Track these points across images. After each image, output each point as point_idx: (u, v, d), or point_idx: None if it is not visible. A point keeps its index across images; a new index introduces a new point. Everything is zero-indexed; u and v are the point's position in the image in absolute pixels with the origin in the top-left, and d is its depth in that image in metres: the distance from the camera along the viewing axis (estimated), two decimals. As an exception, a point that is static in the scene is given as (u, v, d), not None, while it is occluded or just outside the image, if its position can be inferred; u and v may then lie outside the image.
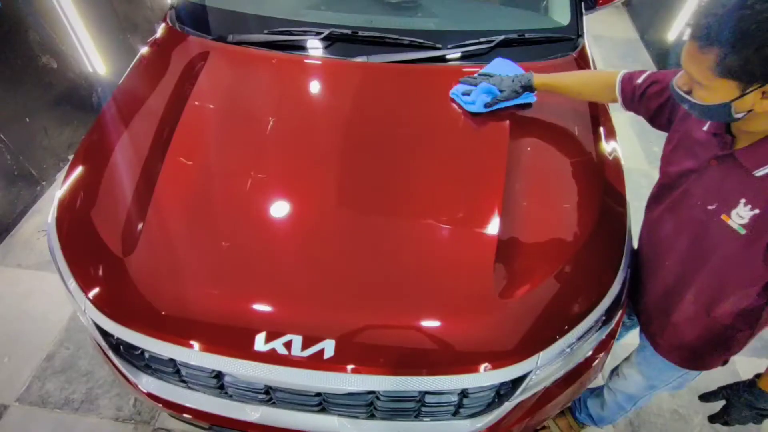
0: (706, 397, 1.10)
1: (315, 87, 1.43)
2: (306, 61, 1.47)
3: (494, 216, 1.11)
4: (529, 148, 1.27)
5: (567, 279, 1.06)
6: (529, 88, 1.30)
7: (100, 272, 1.08)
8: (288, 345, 0.95)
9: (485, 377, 0.96)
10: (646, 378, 1.28)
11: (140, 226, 1.11)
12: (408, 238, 1.10)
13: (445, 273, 1.05)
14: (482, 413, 1.07)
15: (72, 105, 2.63)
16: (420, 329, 0.98)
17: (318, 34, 1.47)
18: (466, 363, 0.96)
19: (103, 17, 2.80)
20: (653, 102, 1.08)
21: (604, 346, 1.17)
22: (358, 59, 1.45)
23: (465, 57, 1.47)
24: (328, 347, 0.95)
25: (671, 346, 1.14)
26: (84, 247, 1.13)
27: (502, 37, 1.46)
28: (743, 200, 0.85)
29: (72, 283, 1.08)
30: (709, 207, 0.91)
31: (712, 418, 1.11)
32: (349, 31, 1.47)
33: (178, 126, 1.28)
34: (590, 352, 1.13)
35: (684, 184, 0.99)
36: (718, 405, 1.11)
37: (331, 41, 1.48)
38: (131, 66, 1.55)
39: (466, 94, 1.35)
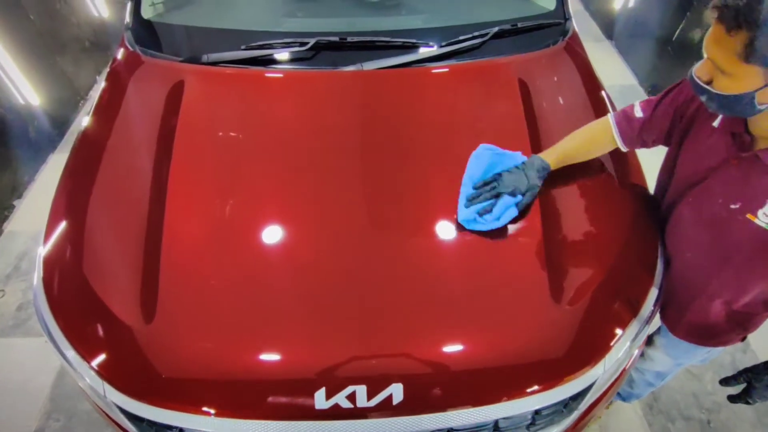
0: (727, 381, 1.10)
1: (312, 105, 1.31)
2: (295, 76, 1.35)
3: (536, 225, 1.07)
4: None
5: (614, 279, 1.04)
6: (545, 172, 1.12)
7: (117, 345, 0.94)
8: (352, 397, 0.88)
9: (559, 392, 0.93)
10: (673, 358, 1.30)
11: (154, 285, 0.98)
12: (450, 259, 1.04)
13: (497, 291, 1.00)
14: (553, 424, 1.05)
15: (6, 144, 2.34)
16: (488, 354, 0.93)
17: (302, 45, 1.35)
18: (539, 381, 0.92)
19: (25, 40, 2.49)
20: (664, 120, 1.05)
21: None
22: (351, 68, 1.35)
23: (460, 53, 1.40)
24: (396, 392, 0.88)
25: (690, 330, 1.15)
26: (86, 314, 0.99)
27: (496, 29, 1.40)
28: None
29: (79, 363, 0.94)
30: (732, 206, 0.90)
31: (733, 399, 1.11)
32: (336, 38, 1.36)
33: (172, 165, 1.14)
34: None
35: (700, 182, 0.98)
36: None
37: (316, 51, 1.37)
38: (96, 100, 1.36)
39: (484, 211, 1.07)
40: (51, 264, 1.06)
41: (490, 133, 1.19)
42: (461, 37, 1.38)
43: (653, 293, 1.06)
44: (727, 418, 1.78)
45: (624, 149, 1.13)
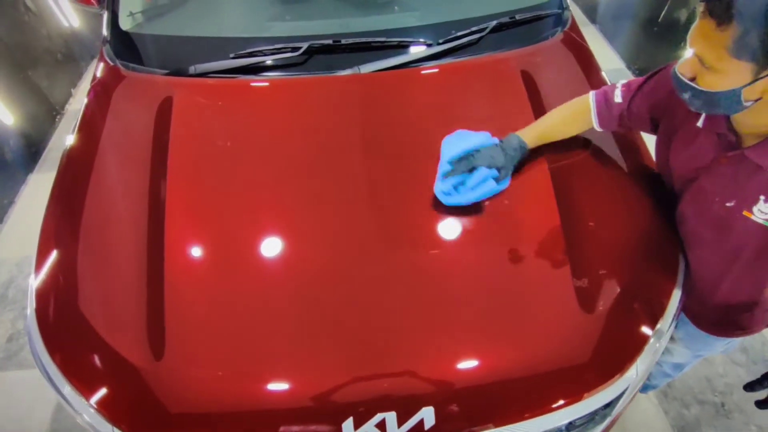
0: (751, 387, 1.08)
1: (309, 113, 1.25)
2: (289, 83, 1.29)
3: (556, 229, 1.03)
4: (569, 156, 1.18)
5: (639, 278, 1.02)
6: (523, 150, 1.10)
7: (125, 383, 0.88)
8: (382, 425, 0.83)
9: (595, 400, 0.90)
10: (693, 350, 1.29)
11: (160, 317, 0.92)
12: (468, 269, 1.00)
13: (521, 301, 0.96)
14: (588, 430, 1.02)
15: (-17, 167, 2.23)
16: (519, 367, 0.90)
17: (294, 50, 1.29)
18: (575, 392, 0.89)
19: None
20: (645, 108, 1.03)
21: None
22: (347, 72, 1.29)
23: (459, 49, 1.35)
24: (428, 416, 0.84)
25: (714, 322, 1.13)
26: (85, 350, 0.93)
27: (495, 23, 1.35)
28: (762, 197, 0.83)
29: (78, 401, 0.88)
30: (728, 204, 0.88)
31: (761, 405, 1.09)
32: (329, 41, 1.30)
33: (168, 185, 1.07)
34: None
35: (695, 181, 0.96)
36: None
37: (309, 55, 1.31)
38: (79, 119, 1.28)
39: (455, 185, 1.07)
40: (44, 296, 0.99)
41: (499, 131, 1.14)
42: (459, 33, 1.33)
43: (677, 290, 1.03)
44: (740, 399, 1.79)
45: (598, 129, 1.11)
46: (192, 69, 1.27)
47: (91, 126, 1.27)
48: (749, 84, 0.71)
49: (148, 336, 0.92)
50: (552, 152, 1.15)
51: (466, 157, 1.08)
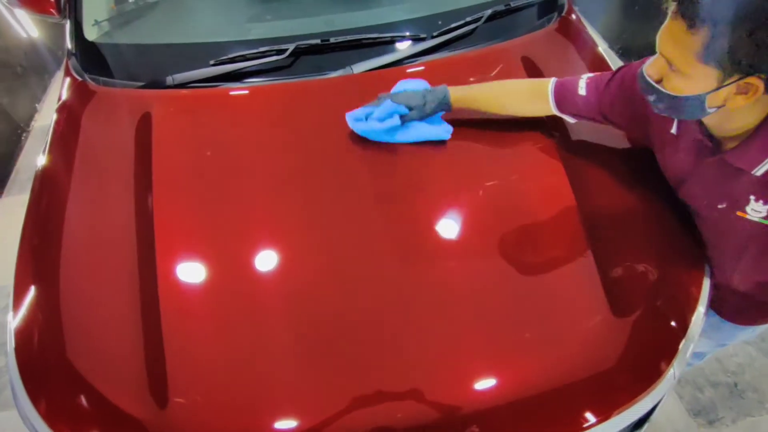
0: None
1: (301, 120, 1.16)
2: (275, 89, 1.19)
3: (578, 230, 0.97)
4: (581, 151, 1.12)
5: (666, 275, 0.97)
6: (445, 104, 1.08)
7: None
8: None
9: (639, 408, 0.85)
10: (716, 340, 1.26)
11: (160, 360, 0.83)
12: (489, 279, 0.94)
13: (550, 312, 0.90)
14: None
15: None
16: (550, 383, 0.84)
17: (279, 52, 1.19)
18: (618, 402, 0.84)
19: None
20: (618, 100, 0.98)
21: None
22: (338, 73, 1.20)
23: (455, 42, 1.27)
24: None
25: (734, 312, 1.10)
26: (73, 398, 0.83)
27: (490, 11, 1.27)
28: (752, 197, 0.80)
29: None
30: (720, 206, 0.86)
31: None
32: (317, 40, 1.20)
33: (156, 211, 0.97)
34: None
35: (683, 184, 0.94)
36: None
37: (296, 57, 1.21)
38: (49, 140, 1.17)
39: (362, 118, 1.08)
40: (24, 335, 0.89)
41: (509, 126, 1.08)
42: (454, 24, 1.25)
43: (706, 284, 0.98)
44: (752, 378, 1.78)
45: (557, 113, 1.06)
46: (169, 80, 1.17)
47: (63, 147, 1.16)
48: (713, 90, 0.69)
49: (149, 380, 0.83)
50: (564, 148, 1.09)
51: (389, 95, 1.08)
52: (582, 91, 1.00)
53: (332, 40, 1.21)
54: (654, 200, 1.04)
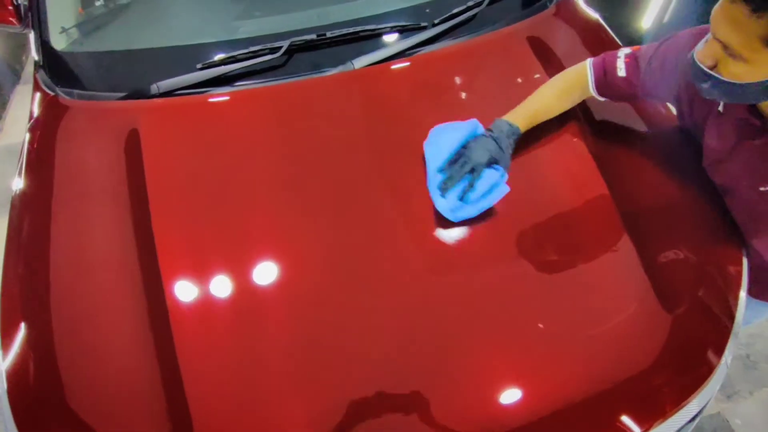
0: None
1: (303, 123, 1.07)
2: (271, 91, 1.10)
3: (615, 221, 0.92)
4: (612, 141, 1.06)
5: (707, 265, 0.93)
6: (515, 134, 0.97)
7: None
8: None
9: (702, 397, 0.81)
10: (743, 319, 1.25)
11: (179, 396, 0.75)
12: (529, 282, 0.88)
13: (597, 311, 0.85)
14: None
15: None
16: (619, 385, 0.79)
17: (273, 50, 1.10)
18: (679, 397, 0.80)
19: None
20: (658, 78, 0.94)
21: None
22: (338, 70, 1.11)
23: (457, 29, 1.20)
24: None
25: (764, 288, 1.07)
26: None
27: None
28: None
29: None
30: (762, 188, 0.83)
31: None
32: (313, 35, 1.11)
33: (157, 236, 0.88)
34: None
35: (720, 163, 0.90)
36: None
37: (290, 55, 1.12)
38: (24, 162, 1.05)
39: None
40: (18, 376, 0.79)
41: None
42: (456, 10, 1.18)
43: (746, 266, 0.95)
44: (764, 348, 1.79)
45: (599, 98, 1.01)
46: (154, 88, 1.06)
47: (40, 169, 1.04)
48: None
49: (168, 421, 0.74)
50: (589, 136, 1.03)
51: (456, 158, 0.93)
52: (621, 72, 0.95)
53: (329, 34, 1.12)
54: (684, 183, 1.00)
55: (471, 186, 0.90)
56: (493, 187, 0.90)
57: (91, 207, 0.95)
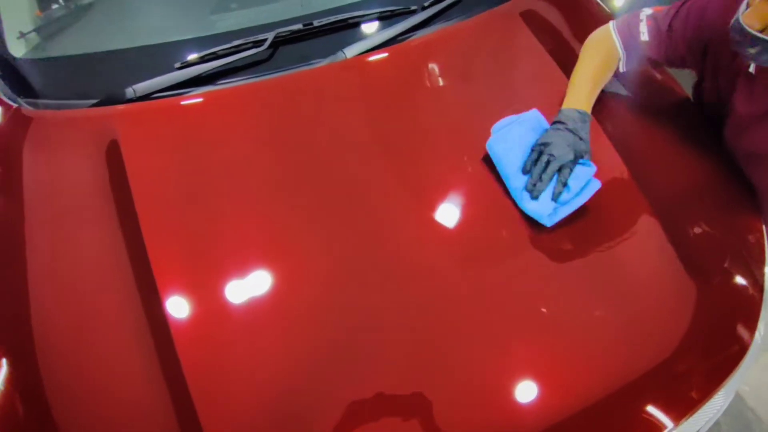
0: None
1: (295, 121, 0.99)
2: (258, 87, 1.02)
3: (640, 201, 0.89)
4: (622, 116, 1.03)
5: (737, 239, 0.90)
6: (587, 120, 0.91)
7: None
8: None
9: (740, 373, 0.79)
10: None
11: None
12: (549, 267, 0.83)
13: (626, 294, 0.81)
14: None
15: None
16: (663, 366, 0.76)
17: (257, 44, 1.02)
18: (719, 375, 0.77)
19: None
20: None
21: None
22: (328, 61, 1.04)
23: (448, 10, 1.14)
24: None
25: None
26: None
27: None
28: None
29: None
30: None
31: None
32: (299, 25, 1.04)
33: (150, 253, 0.79)
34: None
35: (750, 128, 0.87)
36: None
37: (276, 48, 1.05)
38: None
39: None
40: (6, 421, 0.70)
41: (535, 100, 0.96)
42: None
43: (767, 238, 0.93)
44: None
45: (622, 69, 0.98)
46: (129, 92, 0.97)
47: (7, 187, 0.94)
48: None
49: None
50: (601, 114, 0.99)
51: (536, 156, 0.87)
52: (644, 36, 0.91)
53: (316, 23, 1.05)
54: (701, 156, 0.97)
55: (564, 185, 0.84)
56: (586, 184, 0.85)
57: (71, 227, 0.85)
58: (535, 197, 0.84)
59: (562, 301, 0.79)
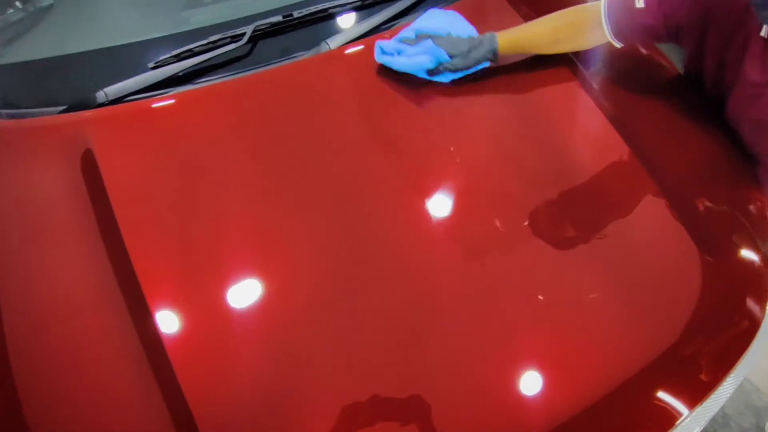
0: None
1: (279, 119, 0.93)
2: (240, 84, 0.96)
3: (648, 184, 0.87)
4: (619, 91, 1.01)
5: (741, 212, 0.89)
6: (491, 53, 0.95)
7: None
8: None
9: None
10: None
11: None
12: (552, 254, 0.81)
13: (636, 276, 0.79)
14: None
15: None
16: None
17: (236, 38, 0.96)
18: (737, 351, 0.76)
19: None
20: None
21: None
22: (312, 53, 1.00)
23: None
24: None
25: None
26: None
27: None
28: None
29: None
30: None
31: None
32: (278, 17, 0.99)
33: (136, 267, 0.73)
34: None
35: (761, 100, 0.85)
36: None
37: (256, 41, 1.00)
38: None
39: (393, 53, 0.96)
40: None
41: (522, 77, 0.94)
42: None
43: None
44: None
45: (617, 44, 0.94)
46: (101, 96, 0.91)
47: None
48: None
49: None
50: (596, 89, 0.98)
51: (432, 36, 0.94)
52: (640, 3, 0.87)
53: (296, 14, 1.00)
54: (700, 128, 0.96)
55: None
56: (424, 52, 0.92)
57: (44, 246, 0.78)
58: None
59: (565, 290, 0.77)
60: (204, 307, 0.72)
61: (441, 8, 1.03)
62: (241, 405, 0.66)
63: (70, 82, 0.94)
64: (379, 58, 0.95)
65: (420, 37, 0.95)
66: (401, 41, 0.96)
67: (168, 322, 0.70)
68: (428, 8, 1.03)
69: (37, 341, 0.70)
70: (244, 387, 0.67)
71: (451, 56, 0.93)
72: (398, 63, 0.93)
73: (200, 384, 0.66)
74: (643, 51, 1.07)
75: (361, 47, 1.00)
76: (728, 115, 0.94)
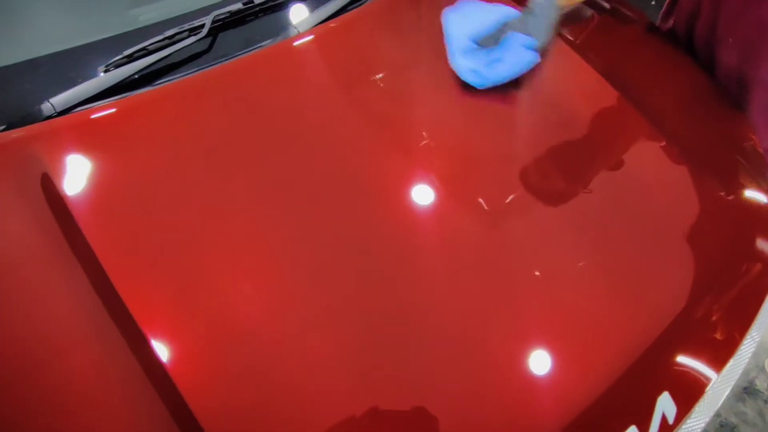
0: None
1: (260, 111, 0.85)
2: (209, 77, 0.88)
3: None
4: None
5: (737, 150, 0.90)
6: (554, 5, 0.85)
7: None
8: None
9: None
10: None
11: None
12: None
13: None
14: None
15: None
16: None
17: (194, 31, 0.88)
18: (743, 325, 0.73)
19: None
20: None
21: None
22: (280, 39, 0.92)
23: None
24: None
25: None
26: None
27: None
28: None
29: None
30: None
31: None
32: (238, 5, 0.91)
33: (120, 290, 0.63)
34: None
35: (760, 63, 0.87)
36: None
37: (216, 33, 0.91)
38: None
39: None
40: None
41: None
42: None
43: None
44: None
45: None
46: (47, 108, 0.80)
47: None
48: None
49: None
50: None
51: (493, 34, 0.86)
52: None
53: (257, 0, 0.92)
54: (684, 73, 0.96)
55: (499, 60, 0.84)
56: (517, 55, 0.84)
57: (12, 284, 0.66)
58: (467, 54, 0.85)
59: (571, 262, 0.73)
60: (197, 322, 0.64)
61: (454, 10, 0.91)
62: (246, 411, 0.58)
63: (7, 96, 0.82)
64: (479, 83, 0.86)
65: (493, 36, 0.86)
66: (474, 51, 0.86)
67: (165, 344, 0.60)
68: None
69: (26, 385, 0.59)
70: (247, 393, 0.60)
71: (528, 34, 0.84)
72: (506, 72, 0.84)
73: (204, 394, 0.58)
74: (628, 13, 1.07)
75: (332, 26, 0.93)
76: (718, 36, 0.93)
